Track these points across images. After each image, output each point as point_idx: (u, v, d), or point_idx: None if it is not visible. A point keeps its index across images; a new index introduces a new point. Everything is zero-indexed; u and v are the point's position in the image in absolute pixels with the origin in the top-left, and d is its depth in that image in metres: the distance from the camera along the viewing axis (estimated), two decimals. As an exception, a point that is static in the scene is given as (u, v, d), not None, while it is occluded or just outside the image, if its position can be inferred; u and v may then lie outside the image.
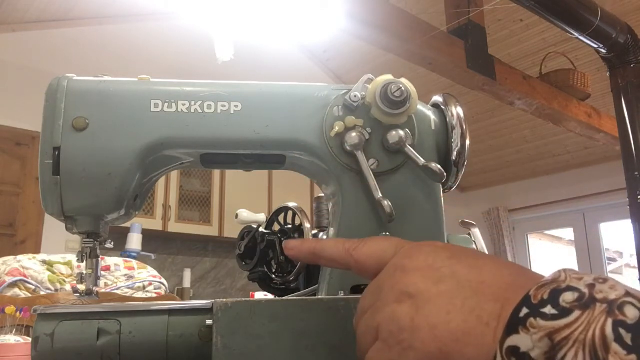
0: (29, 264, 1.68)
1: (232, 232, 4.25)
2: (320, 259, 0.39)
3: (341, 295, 0.51)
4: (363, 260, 0.36)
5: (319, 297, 0.52)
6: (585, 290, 0.25)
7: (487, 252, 0.62)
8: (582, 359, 0.22)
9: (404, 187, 0.54)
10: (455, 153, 0.55)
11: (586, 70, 3.42)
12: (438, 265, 0.31)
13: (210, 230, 4.26)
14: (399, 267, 0.33)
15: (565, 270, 0.27)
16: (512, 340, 0.25)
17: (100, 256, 0.56)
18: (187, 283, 4.24)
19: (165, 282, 1.97)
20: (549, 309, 0.25)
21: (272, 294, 0.72)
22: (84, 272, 0.54)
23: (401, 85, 0.51)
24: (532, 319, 0.25)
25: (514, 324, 0.25)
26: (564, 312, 0.24)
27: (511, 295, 0.27)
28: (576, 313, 0.24)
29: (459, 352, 0.27)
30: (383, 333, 0.31)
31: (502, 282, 0.29)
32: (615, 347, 0.22)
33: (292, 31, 4.20)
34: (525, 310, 0.25)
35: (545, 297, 0.25)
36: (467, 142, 0.56)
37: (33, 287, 1.61)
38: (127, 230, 3.58)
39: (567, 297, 0.25)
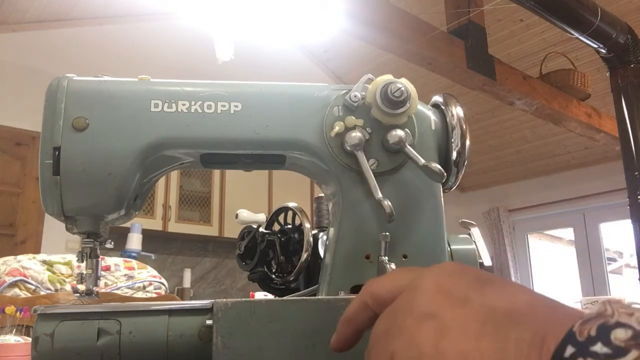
0: (29, 264, 1.68)
1: (232, 232, 4.25)
2: (351, 323, 0.35)
3: (341, 295, 0.51)
4: (376, 290, 0.32)
5: (319, 297, 0.52)
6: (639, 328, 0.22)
7: (487, 252, 0.63)
8: None
9: (404, 187, 0.54)
10: (455, 153, 0.55)
11: (586, 70, 3.42)
12: (463, 285, 0.28)
13: (210, 230, 4.26)
14: (418, 288, 0.29)
15: (610, 303, 0.24)
16: None
17: (100, 256, 0.56)
18: (187, 283, 4.24)
19: (165, 282, 1.97)
20: (599, 347, 0.22)
21: (272, 294, 0.72)
22: (84, 272, 0.54)
23: (401, 85, 0.51)
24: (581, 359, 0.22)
25: None
26: (619, 352, 0.21)
27: (551, 328, 0.24)
28: (634, 353, 0.21)
29: None
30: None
31: (539, 312, 0.25)
32: None
33: (292, 31, 4.20)
34: (570, 349, 0.22)
35: (593, 333, 0.22)
36: (467, 142, 0.56)
37: (33, 287, 1.61)
38: (127, 230, 3.58)
39: (620, 335, 0.22)
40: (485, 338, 0.25)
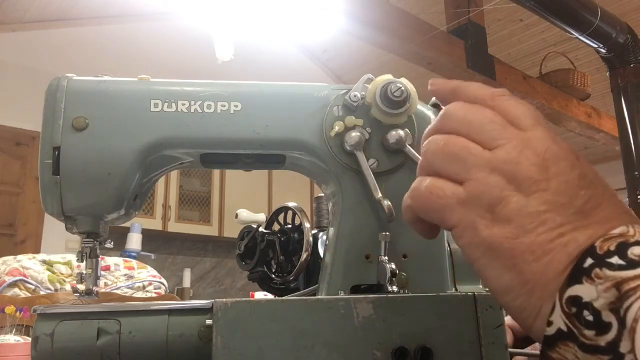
0: (29, 264, 1.68)
1: (232, 232, 4.25)
2: (461, 99, 0.34)
3: (341, 295, 0.51)
4: (501, 112, 0.32)
5: (319, 297, 0.52)
6: None
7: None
8: None
9: (404, 187, 0.54)
10: (455, 153, 0.55)
11: (586, 70, 3.42)
12: (563, 170, 0.29)
13: (210, 230, 4.26)
14: (525, 142, 0.30)
15: (634, 226, 0.26)
16: (574, 291, 0.24)
17: (100, 256, 0.56)
18: (187, 283, 4.24)
19: (165, 282, 1.97)
20: (616, 260, 0.24)
21: (272, 294, 0.72)
22: (84, 272, 0.54)
23: (401, 85, 0.51)
24: (597, 270, 0.24)
25: (578, 275, 0.24)
26: (633, 264, 0.23)
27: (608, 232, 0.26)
28: None
29: (527, 263, 0.26)
30: (471, 187, 0.29)
31: (611, 225, 0.27)
32: None
33: (292, 31, 4.20)
34: (590, 261, 0.24)
35: (613, 248, 0.24)
36: (467, 142, 0.55)
37: (33, 287, 1.61)
38: (127, 230, 3.59)
39: (636, 251, 0.24)
40: (548, 223, 0.27)
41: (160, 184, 4.02)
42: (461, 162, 0.30)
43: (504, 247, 0.27)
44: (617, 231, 0.26)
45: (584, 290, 0.24)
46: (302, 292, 0.67)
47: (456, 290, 0.54)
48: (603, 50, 2.67)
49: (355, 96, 0.53)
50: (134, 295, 1.79)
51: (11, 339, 1.13)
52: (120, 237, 3.55)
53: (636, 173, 2.54)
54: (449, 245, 0.58)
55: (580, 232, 0.27)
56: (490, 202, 0.28)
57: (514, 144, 0.30)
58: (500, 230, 0.28)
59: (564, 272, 0.25)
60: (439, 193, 0.30)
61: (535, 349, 0.59)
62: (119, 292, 1.77)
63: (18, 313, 1.17)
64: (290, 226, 0.73)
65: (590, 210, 0.27)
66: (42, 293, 1.60)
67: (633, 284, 0.23)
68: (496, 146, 0.30)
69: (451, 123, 0.32)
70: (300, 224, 0.70)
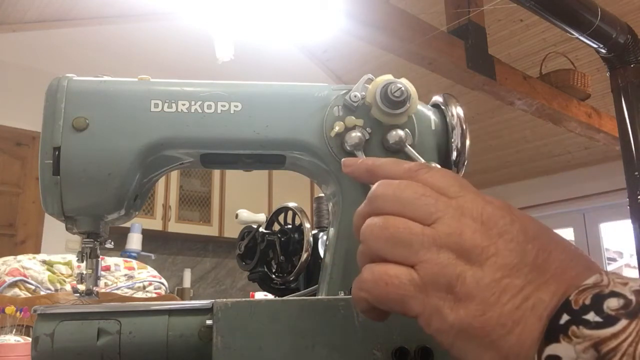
0: (29, 264, 1.68)
1: (232, 232, 4.25)
2: (377, 178, 0.35)
3: (341, 295, 0.51)
4: (426, 185, 0.32)
5: (319, 297, 0.52)
6: (632, 297, 0.23)
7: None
8: None
9: (404, 187, 0.54)
10: (455, 153, 0.55)
11: (586, 70, 3.42)
12: (505, 229, 0.28)
13: (210, 230, 4.26)
14: (459, 209, 0.29)
15: (607, 273, 0.25)
16: (553, 349, 0.23)
17: (100, 256, 0.56)
18: (187, 283, 4.24)
19: (165, 282, 1.97)
20: (592, 316, 0.23)
21: (272, 294, 0.72)
22: (84, 272, 0.54)
23: (401, 85, 0.51)
24: (574, 327, 0.23)
25: (554, 331, 0.24)
26: (609, 321, 0.23)
27: (571, 291, 0.25)
28: (623, 322, 0.22)
29: (501, 338, 0.25)
30: (424, 270, 0.28)
31: (569, 274, 0.26)
32: None
33: (292, 31, 4.20)
34: (565, 317, 0.24)
35: (588, 302, 0.23)
36: (467, 142, 0.56)
37: (33, 287, 1.61)
38: (127, 230, 3.58)
39: (612, 304, 0.23)
40: (510, 291, 0.26)
41: (160, 184, 4.02)
42: (406, 245, 0.29)
43: (475, 327, 0.26)
44: (590, 281, 0.25)
45: (562, 350, 0.23)
46: (302, 292, 0.67)
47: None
48: (603, 50, 2.67)
49: (355, 96, 0.53)
50: (134, 295, 1.79)
51: (11, 339, 1.13)
52: (120, 237, 3.55)
53: (636, 173, 2.54)
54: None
55: (542, 291, 0.26)
56: (447, 282, 0.27)
57: (450, 213, 0.29)
58: (465, 310, 0.27)
59: (539, 338, 0.25)
60: (394, 282, 0.29)
61: None
62: (119, 292, 1.77)
63: (18, 313, 1.17)
64: (290, 226, 0.73)
65: (543, 263, 0.27)
66: (42, 293, 1.60)
67: (612, 344, 0.22)
68: (434, 220, 0.29)
69: (383, 203, 0.31)
70: (300, 224, 0.70)
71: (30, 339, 0.46)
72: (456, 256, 0.28)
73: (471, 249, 0.28)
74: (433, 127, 0.56)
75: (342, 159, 0.39)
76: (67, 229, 0.54)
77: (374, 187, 0.32)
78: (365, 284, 0.30)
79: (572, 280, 0.26)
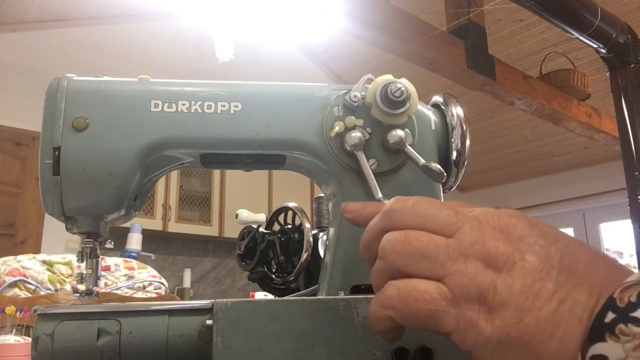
0: (29, 264, 1.68)
1: (232, 232, 4.25)
2: (370, 218, 0.34)
3: (341, 295, 0.51)
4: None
5: (319, 297, 0.52)
6: None
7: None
8: None
9: (404, 187, 0.54)
10: (455, 153, 0.55)
11: (586, 70, 3.42)
12: (524, 233, 0.28)
13: (210, 230, 4.26)
14: (476, 219, 0.29)
15: None
16: (598, 349, 0.22)
17: (100, 256, 0.56)
18: (187, 283, 4.24)
19: (165, 282, 1.97)
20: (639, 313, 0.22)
21: (272, 294, 0.72)
22: (84, 272, 0.54)
23: (401, 85, 0.51)
24: (621, 325, 0.22)
25: (599, 331, 0.23)
26: None
27: (606, 290, 0.24)
28: None
29: (542, 345, 0.24)
30: (453, 282, 0.27)
31: (597, 274, 0.26)
32: None
33: (292, 31, 4.20)
34: (611, 315, 0.23)
35: (633, 299, 0.23)
36: (467, 142, 0.56)
37: (33, 287, 1.61)
38: (127, 230, 3.58)
39: None
40: (544, 295, 0.25)
41: (160, 184, 4.02)
42: (432, 258, 0.28)
43: (513, 336, 0.25)
44: (633, 278, 0.24)
45: (608, 349, 0.22)
46: (302, 292, 0.67)
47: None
48: (603, 50, 2.67)
49: (355, 96, 0.53)
50: (134, 295, 1.78)
51: (11, 339, 1.13)
52: (120, 237, 3.55)
53: (636, 173, 2.54)
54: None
55: (576, 292, 0.25)
56: (479, 293, 0.27)
57: (471, 223, 0.29)
58: (500, 319, 0.26)
59: (581, 339, 0.24)
60: (425, 297, 0.27)
61: None
62: (119, 292, 1.77)
63: (18, 313, 1.17)
64: (290, 226, 0.73)
65: (569, 264, 0.26)
66: (42, 293, 1.60)
67: None
68: (455, 230, 0.29)
69: (402, 217, 0.31)
70: (300, 224, 0.70)
71: (30, 339, 0.46)
72: (484, 265, 0.27)
73: (497, 257, 0.27)
74: (433, 127, 0.56)
75: (342, 205, 0.38)
76: (67, 229, 0.54)
77: (389, 203, 0.32)
78: (391, 301, 0.29)
79: (604, 279, 0.25)
